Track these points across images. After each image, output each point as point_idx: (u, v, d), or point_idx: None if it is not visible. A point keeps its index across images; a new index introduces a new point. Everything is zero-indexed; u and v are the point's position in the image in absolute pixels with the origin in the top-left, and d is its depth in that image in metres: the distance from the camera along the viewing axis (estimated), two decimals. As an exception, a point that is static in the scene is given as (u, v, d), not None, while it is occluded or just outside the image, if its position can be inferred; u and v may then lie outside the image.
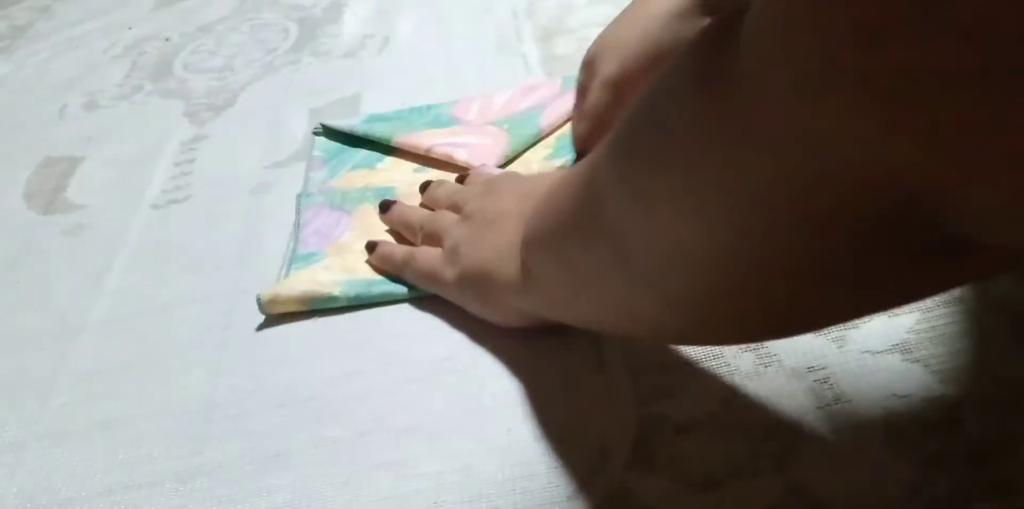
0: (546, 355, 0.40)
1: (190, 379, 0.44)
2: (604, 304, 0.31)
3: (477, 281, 0.41)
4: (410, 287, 0.45)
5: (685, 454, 0.34)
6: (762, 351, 0.38)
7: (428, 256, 0.44)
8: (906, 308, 0.38)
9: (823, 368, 0.36)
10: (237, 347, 0.45)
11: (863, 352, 0.37)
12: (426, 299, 0.45)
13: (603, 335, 0.40)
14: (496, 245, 0.40)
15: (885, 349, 0.37)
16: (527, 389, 0.39)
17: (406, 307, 0.45)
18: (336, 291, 0.45)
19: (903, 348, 0.37)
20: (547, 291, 0.36)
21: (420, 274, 0.44)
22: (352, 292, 0.45)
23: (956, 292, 0.38)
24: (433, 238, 0.45)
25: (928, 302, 0.38)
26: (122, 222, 0.58)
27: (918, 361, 0.36)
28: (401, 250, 0.46)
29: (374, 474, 0.37)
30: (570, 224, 0.31)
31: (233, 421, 0.41)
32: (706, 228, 0.22)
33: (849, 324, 0.38)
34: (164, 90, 0.74)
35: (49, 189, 0.63)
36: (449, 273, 0.42)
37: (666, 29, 0.48)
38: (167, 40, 0.83)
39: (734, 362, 0.38)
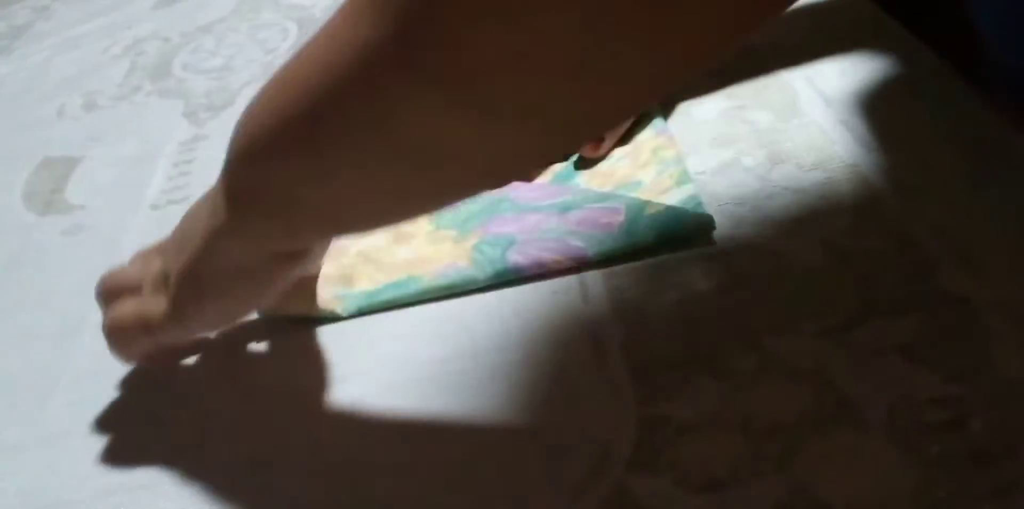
0: (546, 356, 0.40)
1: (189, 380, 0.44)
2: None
3: (188, 273, 0.37)
4: (413, 291, 0.45)
5: (686, 455, 0.34)
6: (764, 352, 0.38)
7: (129, 304, 0.39)
8: (908, 308, 0.38)
9: (825, 369, 0.36)
10: (236, 348, 0.45)
11: (865, 353, 0.37)
12: (427, 301, 0.45)
13: (604, 336, 0.40)
14: (184, 233, 0.37)
15: (887, 350, 0.37)
16: (527, 390, 0.39)
17: (408, 308, 0.45)
18: (338, 308, 0.45)
19: (905, 349, 0.36)
20: (281, 208, 0.33)
21: (133, 325, 0.39)
22: (353, 307, 0.45)
23: (958, 292, 0.38)
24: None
25: (930, 303, 0.38)
26: (121, 223, 0.58)
27: (920, 361, 0.36)
28: (103, 326, 0.41)
29: (375, 474, 0.37)
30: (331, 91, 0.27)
31: (233, 422, 0.41)
32: None
33: (851, 325, 0.38)
34: (163, 90, 0.74)
35: (48, 190, 0.63)
36: (161, 298, 0.38)
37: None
38: (166, 40, 0.83)
39: (736, 363, 0.38)
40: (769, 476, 0.33)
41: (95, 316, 0.50)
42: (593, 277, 0.44)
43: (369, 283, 0.46)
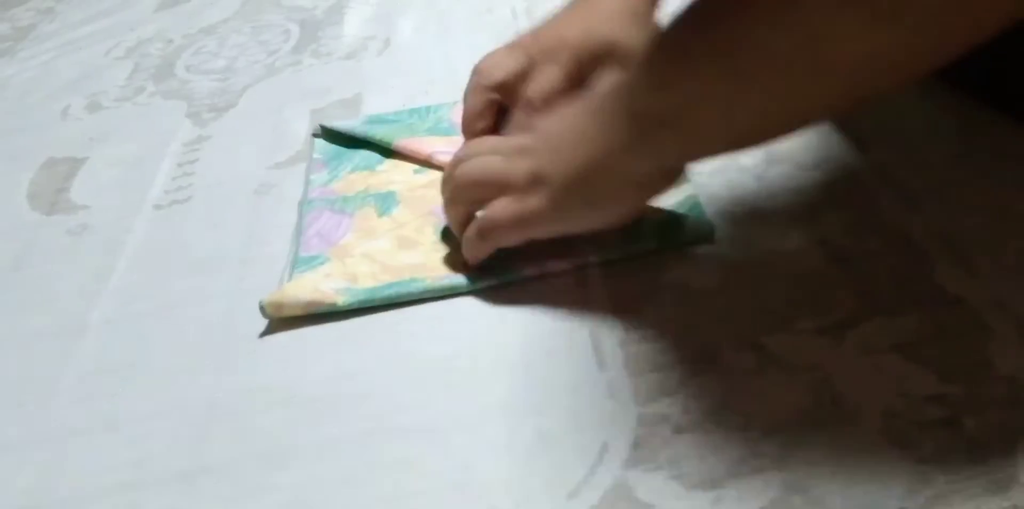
0: (547, 355, 0.41)
1: (193, 378, 0.44)
2: (801, 70, 0.33)
3: (579, 179, 0.40)
4: (415, 290, 0.45)
5: (684, 453, 0.35)
6: (762, 351, 0.38)
7: (504, 202, 0.43)
8: (905, 308, 0.38)
9: (822, 367, 0.37)
10: (239, 346, 0.46)
11: (862, 352, 0.37)
12: (428, 300, 0.45)
13: (603, 336, 0.41)
14: (560, 140, 0.41)
15: (884, 348, 0.37)
16: (528, 388, 0.39)
17: (409, 307, 0.45)
18: (339, 301, 0.45)
19: (902, 347, 0.37)
20: (703, 111, 0.36)
21: (510, 223, 0.42)
22: (354, 300, 0.45)
23: (955, 292, 0.39)
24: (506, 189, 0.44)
25: (928, 302, 0.38)
26: (125, 222, 0.58)
27: (917, 360, 0.36)
28: (476, 224, 0.44)
29: (376, 473, 0.37)
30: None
31: (236, 420, 0.42)
32: None
33: (849, 323, 0.38)
34: (166, 91, 0.74)
35: (52, 190, 0.64)
36: (540, 197, 0.41)
37: (620, 29, 0.49)
38: (169, 42, 0.84)
39: (734, 361, 0.38)
40: (767, 473, 0.33)
41: (99, 315, 0.50)
42: (593, 277, 0.44)
43: (372, 281, 0.46)
